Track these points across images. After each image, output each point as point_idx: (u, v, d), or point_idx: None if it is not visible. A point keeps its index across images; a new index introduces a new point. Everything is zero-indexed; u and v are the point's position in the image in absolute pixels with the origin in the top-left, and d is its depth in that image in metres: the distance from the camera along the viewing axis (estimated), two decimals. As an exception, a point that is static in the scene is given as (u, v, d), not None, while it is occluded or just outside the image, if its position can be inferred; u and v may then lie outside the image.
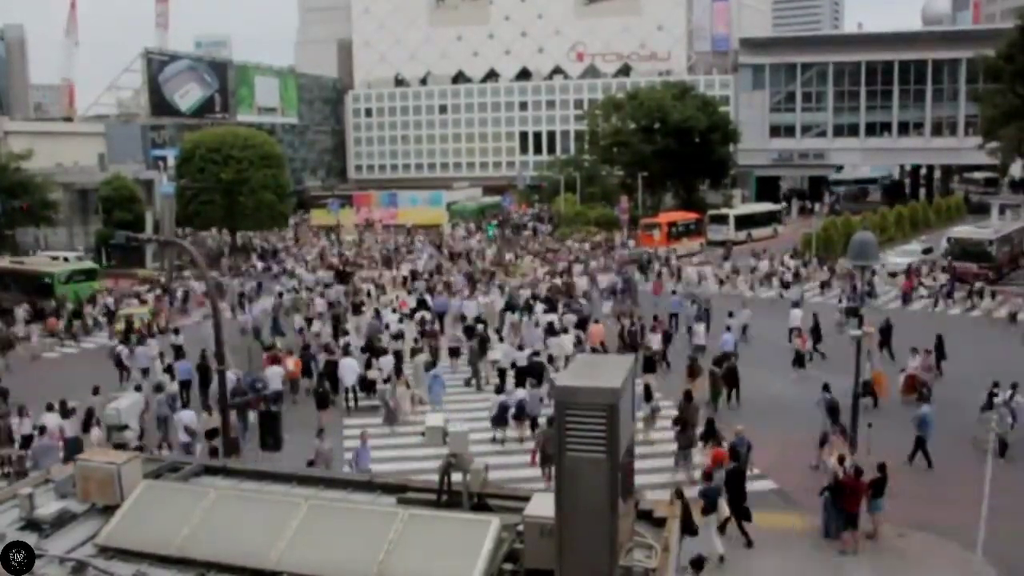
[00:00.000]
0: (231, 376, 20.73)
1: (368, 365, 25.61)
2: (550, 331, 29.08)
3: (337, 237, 57.25)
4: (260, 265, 53.57)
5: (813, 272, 43.92)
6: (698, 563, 12.34)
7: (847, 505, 15.61)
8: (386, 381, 24.42)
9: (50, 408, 20.81)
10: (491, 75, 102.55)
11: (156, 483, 7.94)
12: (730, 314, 30.00)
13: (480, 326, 30.06)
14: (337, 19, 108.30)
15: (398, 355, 26.30)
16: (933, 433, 19.36)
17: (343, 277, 43.64)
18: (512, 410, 21.37)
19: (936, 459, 19.22)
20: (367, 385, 25.01)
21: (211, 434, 19.15)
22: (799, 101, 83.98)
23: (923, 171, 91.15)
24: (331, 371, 24.95)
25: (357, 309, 35.43)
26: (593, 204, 69.44)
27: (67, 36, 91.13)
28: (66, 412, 20.68)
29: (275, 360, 25.40)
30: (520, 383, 23.03)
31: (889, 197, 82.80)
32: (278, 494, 7.91)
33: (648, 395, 21.59)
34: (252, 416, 20.97)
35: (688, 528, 12.78)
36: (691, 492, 15.64)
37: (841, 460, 16.42)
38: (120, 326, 33.47)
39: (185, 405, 22.89)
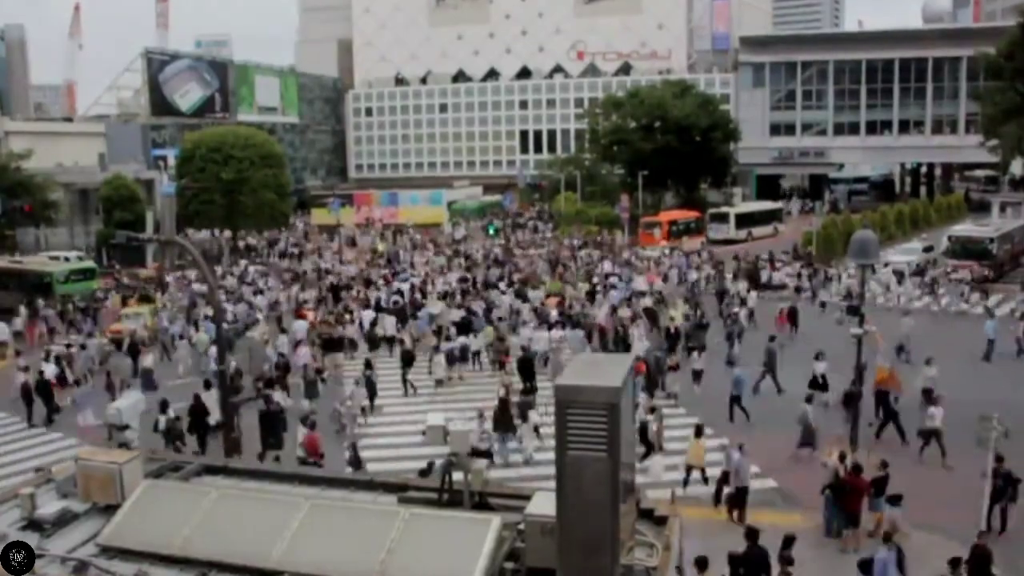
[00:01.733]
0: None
1: (374, 323, 31.54)
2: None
3: (339, 240, 56.50)
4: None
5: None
6: (701, 563, 12.35)
7: (848, 504, 15.62)
8: (391, 340, 30.54)
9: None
10: (491, 74, 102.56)
11: (157, 482, 7.95)
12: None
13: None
14: (337, 19, 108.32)
15: (401, 314, 32.88)
16: (747, 392, 23.26)
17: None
18: (457, 352, 27.46)
19: (936, 457, 19.25)
20: (376, 342, 30.61)
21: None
22: (799, 99, 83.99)
23: (923, 169, 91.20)
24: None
25: (334, 344, 29.14)
26: (594, 203, 69.44)
27: (70, 38, 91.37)
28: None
29: (301, 315, 32.91)
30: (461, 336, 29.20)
31: (881, 195, 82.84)
32: (279, 493, 7.91)
33: None
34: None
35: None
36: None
37: (842, 458, 16.44)
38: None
39: None
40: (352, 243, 62.48)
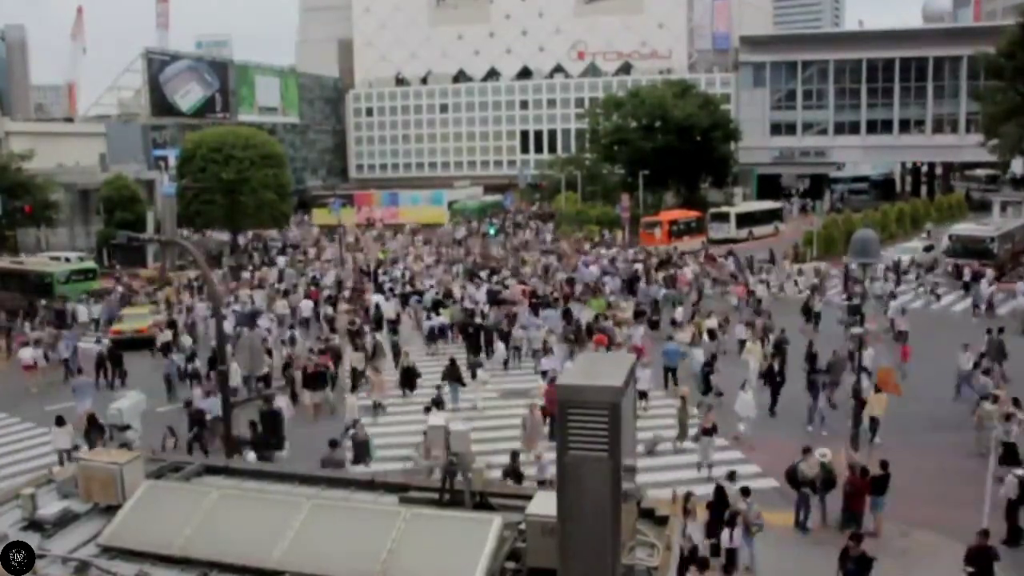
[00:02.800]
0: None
1: (378, 307, 35.46)
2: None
3: (341, 239, 56.39)
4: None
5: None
6: (702, 563, 12.36)
7: (852, 504, 15.65)
8: (393, 321, 33.85)
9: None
10: (492, 74, 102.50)
11: (158, 483, 7.95)
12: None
13: None
14: (338, 18, 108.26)
15: (405, 299, 37.24)
16: (678, 364, 25.43)
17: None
18: (437, 329, 32.45)
19: (939, 457, 19.26)
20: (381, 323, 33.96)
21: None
22: (800, 99, 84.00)
23: (924, 168, 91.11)
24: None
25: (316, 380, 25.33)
26: (594, 203, 69.41)
27: (73, 39, 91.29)
28: None
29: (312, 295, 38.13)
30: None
31: (881, 195, 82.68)
32: (280, 494, 7.90)
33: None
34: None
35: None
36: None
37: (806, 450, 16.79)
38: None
39: None
40: (381, 240, 65.08)
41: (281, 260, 54.63)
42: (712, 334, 28.65)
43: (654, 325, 32.56)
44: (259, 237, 67.12)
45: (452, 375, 25.33)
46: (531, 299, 35.70)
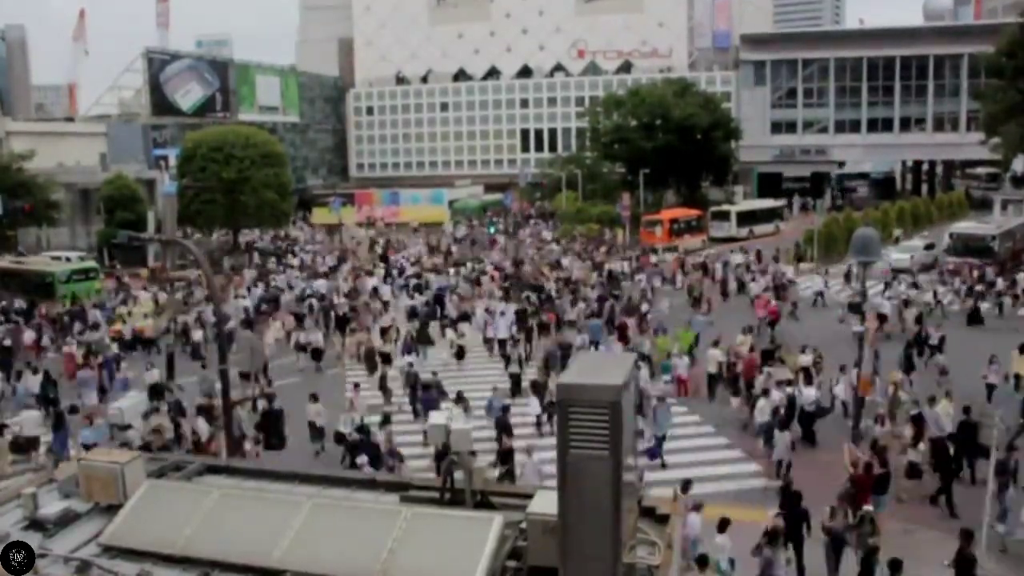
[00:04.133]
0: None
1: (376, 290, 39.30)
2: None
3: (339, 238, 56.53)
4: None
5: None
6: (702, 561, 12.38)
7: (860, 500, 15.69)
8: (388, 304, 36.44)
9: None
10: (492, 73, 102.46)
11: (159, 482, 7.94)
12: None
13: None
14: (338, 18, 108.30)
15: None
16: (601, 339, 27.59)
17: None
18: (420, 308, 35.38)
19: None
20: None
21: None
22: (800, 97, 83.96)
23: (925, 167, 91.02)
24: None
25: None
26: (595, 201, 69.41)
27: (75, 42, 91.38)
28: None
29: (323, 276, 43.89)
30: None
31: (882, 193, 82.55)
32: (281, 493, 7.90)
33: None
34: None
35: None
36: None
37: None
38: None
39: None
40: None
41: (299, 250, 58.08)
42: (808, 375, 21.45)
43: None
44: (278, 237, 67.58)
45: (422, 339, 28.80)
46: (504, 284, 39.11)
